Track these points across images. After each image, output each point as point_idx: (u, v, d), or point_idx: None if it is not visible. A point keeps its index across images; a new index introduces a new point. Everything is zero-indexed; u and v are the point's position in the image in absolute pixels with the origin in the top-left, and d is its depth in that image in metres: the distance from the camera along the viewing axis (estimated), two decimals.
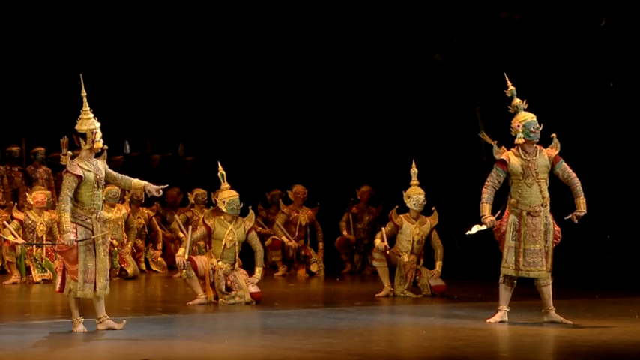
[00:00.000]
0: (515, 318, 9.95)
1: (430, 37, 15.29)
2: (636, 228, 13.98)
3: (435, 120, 15.45)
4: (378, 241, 12.39)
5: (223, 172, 11.69)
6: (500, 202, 9.97)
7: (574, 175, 9.96)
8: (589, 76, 14.25)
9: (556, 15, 14.37)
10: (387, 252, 12.29)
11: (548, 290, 9.84)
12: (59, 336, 8.95)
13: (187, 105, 18.13)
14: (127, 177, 9.53)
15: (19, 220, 13.99)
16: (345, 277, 15.50)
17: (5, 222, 14.17)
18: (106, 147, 9.29)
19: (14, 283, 13.64)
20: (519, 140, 9.78)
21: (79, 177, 9.03)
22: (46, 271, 13.85)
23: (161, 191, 9.50)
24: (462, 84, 15.00)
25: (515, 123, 9.86)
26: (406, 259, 12.34)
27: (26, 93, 17.37)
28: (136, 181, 9.49)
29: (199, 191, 15.61)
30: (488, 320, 9.78)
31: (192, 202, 15.65)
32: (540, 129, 9.85)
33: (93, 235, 9.03)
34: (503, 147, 9.88)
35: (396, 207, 12.53)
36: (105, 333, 8.96)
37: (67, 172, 9.06)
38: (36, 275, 13.75)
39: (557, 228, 9.93)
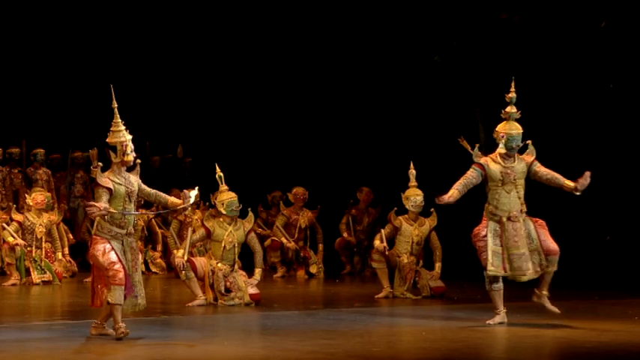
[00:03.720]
0: (514, 319, 9.94)
1: (430, 38, 15.29)
2: (636, 229, 13.98)
3: (435, 121, 15.45)
4: (377, 243, 12.39)
5: (221, 174, 11.68)
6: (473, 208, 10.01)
7: (550, 170, 9.94)
8: (589, 77, 14.25)
9: (556, 16, 14.37)
10: (386, 253, 12.29)
11: (548, 277, 9.83)
12: (59, 338, 8.94)
13: (186, 106, 18.13)
14: (160, 194, 9.20)
15: (18, 222, 13.97)
16: (344, 279, 15.49)
17: (4, 224, 14.16)
18: (138, 160, 9.03)
19: (13, 284, 13.63)
20: (500, 150, 9.80)
21: (109, 190, 8.76)
22: (45, 272, 13.84)
23: (197, 192, 9.21)
24: (461, 85, 15.00)
25: (502, 131, 9.83)
26: (405, 261, 12.34)
27: (26, 94, 17.38)
28: (172, 200, 9.19)
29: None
30: (487, 322, 9.78)
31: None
32: (520, 146, 9.82)
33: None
34: (481, 152, 9.87)
35: (395, 208, 12.53)
36: (105, 336, 8.93)
37: (97, 184, 8.78)
38: (35, 277, 13.74)
39: (539, 220, 9.87)
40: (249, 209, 11.87)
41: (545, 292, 9.88)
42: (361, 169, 16.45)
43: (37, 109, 17.35)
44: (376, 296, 12.28)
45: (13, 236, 13.78)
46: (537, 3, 14.54)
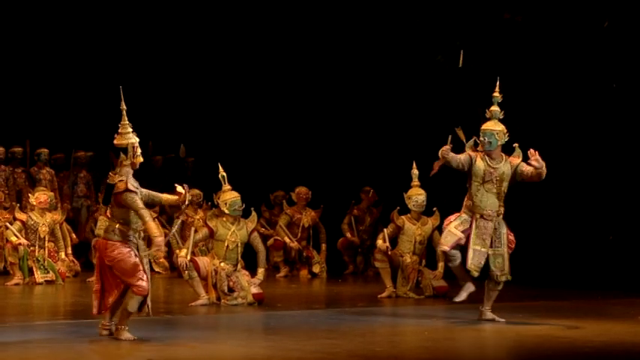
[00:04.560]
0: (517, 319, 9.95)
1: (433, 38, 15.29)
2: (638, 229, 13.98)
3: (437, 121, 15.45)
4: (379, 242, 12.40)
5: (224, 174, 11.68)
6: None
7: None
8: (592, 77, 14.25)
9: (559, 16, 14.37)
10: (389, 253, 12.30)
11: (494, 294, 9.92)
12: (61, 337, 8.95)
13: (189, 106, 18.13)
14: (154, 193, 9.01)
15: (22, 221, 13.97)
16: (347, 279, 15.50)
17: (7, 223, 14.17)
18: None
19: (17, 284, 13.64)
20: (480, 147, 9.84)
21: (136, 193, 8.65)
22: (48, 272, 13.85)
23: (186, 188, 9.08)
24: (464, 85, 15.00)
25: (483, 128, 9.88)
26: (408, 260, 12.35)
27: (30, 94, 17.39)
28: (166, 197, 9.11)
29: (194, 192, 15.60)
30: (455, 299, 9.94)
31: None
32: (496, 145, 9.78)
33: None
34: (472, 147, 9.91)
35: (398, 208, 12.54)
36: (108, 335, 8.94)
37: (128, 190, 8.60)
38: (38, 276, 13.74)
39: (511, 234, 9.91)
40: (252, 209, 11.87)
41: (488, 308, 9.94)
42: (364, 169, 16.46)
43: (40, 109, 17.35)
44: (379, 296, 12.29)
45: (16, 236, 13.78)
46: (540, 3, 14.54)
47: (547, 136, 13.52)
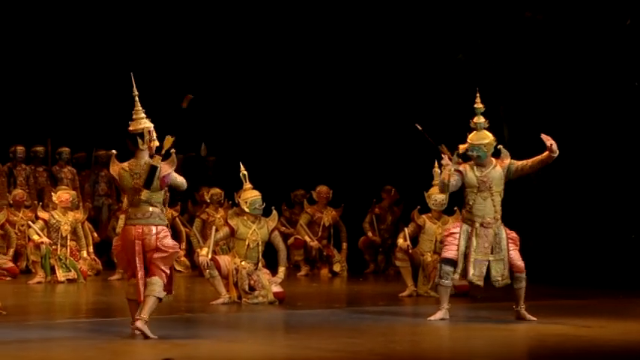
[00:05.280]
0: (537, 318, 9.91)
1: (454, 37, 15.26)
2: None
3: (459, 120, 15.40)
4: (400, 241, 12.39)
5: (245, 173, 11.69)
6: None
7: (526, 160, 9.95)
8: (614, 75, 14.19)
9: (580, 14, 14.31)
10: (410, 252, 12.28)
11: (521, 292, 9.89)
12: (83, 336, 8.97)
13: (210, 105, 18.15)
14: None
15: (44, 220, 14.03)
16: (368, 277, 15.49)
17: (30, 222, 14.23)
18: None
19: (39, 282, 13.69)
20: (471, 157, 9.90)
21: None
22: (70, 270, 13.89)
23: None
24: (485, 84, 14.96)
25: (468, 141, 9.93)
26: (429, 259, 12.33)
27: (52, 93, 17.45)
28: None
29: (215, 190, 15.61)
30: (429, 318, 9.93)
31: (208, 200, 15.64)
32: (487, 155, 9.81)
33: None
34: (460, 159, 10.00)
35: (418, 207, 12.53)
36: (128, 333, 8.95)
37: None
38: (60, 275, 13.79)
39: (510, 233, 9.92)
40: (273, 207, 11.88)
41: (522, 307, 9.91)
42: (385, 168, 16.43)
43: (62, 108, 17.41)
44: (400, 295, 12.28)
45: (38, 234, 13.84)
46: (561, 1, 14.49)
47: (570, 135, 13.45)
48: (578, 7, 14.32)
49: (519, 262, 9.89)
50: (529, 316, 9.88)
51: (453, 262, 9.88)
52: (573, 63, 14.39)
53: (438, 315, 9.95)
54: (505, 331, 9.41)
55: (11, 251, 14.77)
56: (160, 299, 8.66)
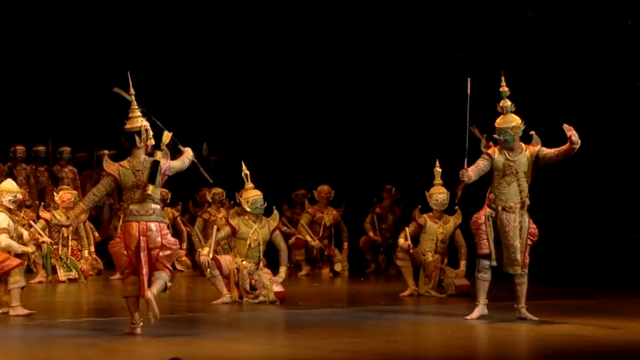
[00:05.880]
0: (539, 317, 9.91)
1: (455, 36, 15.26)
2: None
3: (459, 119, 15.41)
4: (401, 241, 12.39)
5: (247, 172, 11.70)
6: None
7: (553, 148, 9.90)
8: (615, 75, 14.19)
9: (581, 14, 14.31)
10: (411, 251, 12.28)
11: (522, 288, 9.86)
12: (85, 335, 8.98)
13: (211, 104, 18.15)
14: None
15: (46, 220, 14.03)
16: (369, 277, 15.49)
17: (31, 221, 14.23)
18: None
19: (40, 282, 13.69)
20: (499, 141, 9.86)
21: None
22: (71, 270, 13.90)
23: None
24: (485, 82, 14.96)
25: (497, 125, 9.85)
26: (430, 259, 12.33)
27: (53, 93, 17.45)
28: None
29: (217, 190, 15.61)
30: (466, 317, 9.86)
31: (210, 200, 15.65)
32: (513, 139, 9.75)
33: None
34: (491, 142, 9.91)
35: (419, 206, 12.53)
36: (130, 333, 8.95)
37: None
38: (61, 274, 13.79)
39: (533, 226, 9.88)
40: (274, 207, 11.88)
41: (522, 305, 9.90)
42: (386, 167, 16.43)
43: (63, 108, 17.41)
44: (401, 294, 12.28)
45: (39, 234, 13.83)
46: (563, 1, 14.49)
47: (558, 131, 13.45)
48: (580, 7, 14.32)
49: (525, 259, 9.85)
50: (530, 316, 9.87)
51: (489, 256, 9.82)
52: (574, 63, 14.39)
53: (476, 313, 9.87)
54: (506, 331, 9.41)
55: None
56: (166, 287, 8.75)
